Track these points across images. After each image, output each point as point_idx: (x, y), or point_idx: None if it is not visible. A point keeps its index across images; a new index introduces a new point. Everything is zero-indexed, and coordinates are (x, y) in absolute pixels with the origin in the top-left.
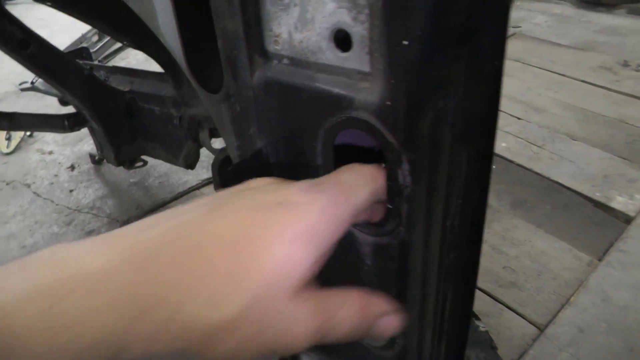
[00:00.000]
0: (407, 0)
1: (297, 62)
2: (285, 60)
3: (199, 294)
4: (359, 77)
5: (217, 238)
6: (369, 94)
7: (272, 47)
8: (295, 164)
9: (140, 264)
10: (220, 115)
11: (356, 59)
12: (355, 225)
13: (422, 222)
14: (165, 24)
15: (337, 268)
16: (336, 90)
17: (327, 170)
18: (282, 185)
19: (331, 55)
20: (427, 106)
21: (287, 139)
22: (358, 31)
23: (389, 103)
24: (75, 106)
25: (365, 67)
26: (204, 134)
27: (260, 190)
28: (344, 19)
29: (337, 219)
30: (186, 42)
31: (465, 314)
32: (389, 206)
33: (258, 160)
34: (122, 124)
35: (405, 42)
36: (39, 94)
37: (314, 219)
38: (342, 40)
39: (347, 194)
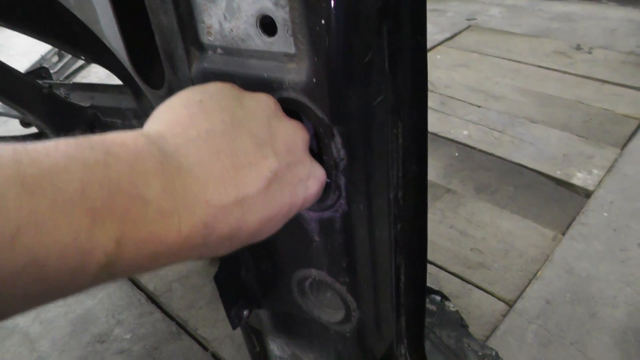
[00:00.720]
0: None
1: (229, 51)
2: (219, 50)
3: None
4: (286, 60)
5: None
6: (296, 74)
7: (205, 39)
8: None
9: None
10: None
11: (282, 43)
12: None
13: (362, 194)
14: (107, 26)
15: (289, 247)
16: (267, 73)
17: None
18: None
19: (259, 41)
20: (352, 81)
21: None
22: (280, 15)
23: (315, 81)
24: (37, 126)
25: (291, 49)
26: None
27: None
28: (267, 5)
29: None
30: (128, 41)
31: (419, 285)
32: (328, 180)
33: None
34: None
35: (323, 22)
36: (0, 120)
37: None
38: (267, 25)
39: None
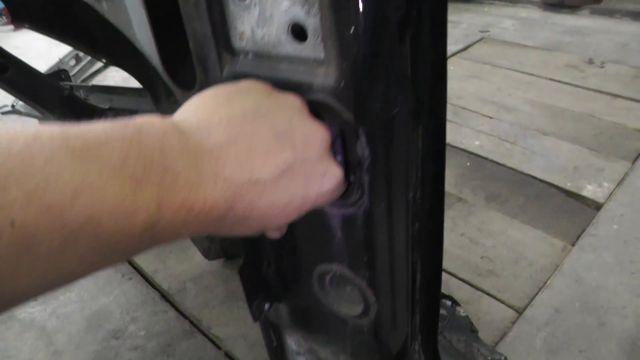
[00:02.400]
0: None
1: (260, 55)
2: (250, 55)
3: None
4: (315, 64)
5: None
6: (324, 78)
7: (237, 44)
8: None
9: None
10: None
11: (312, 48)
12: None
13: (384, 192)
14: (141, 31)
15: (312, 242)
16: (296, 77)
17: None
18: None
19: (290, 47)
20: (377, 85)
21: None
22: (311, 23)
23: (342, 84)
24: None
25: (320, 55)
26: None
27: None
28: (299, 13)
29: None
30: (160, 45)
31: (434, 283)
32: (352, 178)
33: None
34: None
35: (352, 30)
36: (21, 119)
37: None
38: (298, 32)
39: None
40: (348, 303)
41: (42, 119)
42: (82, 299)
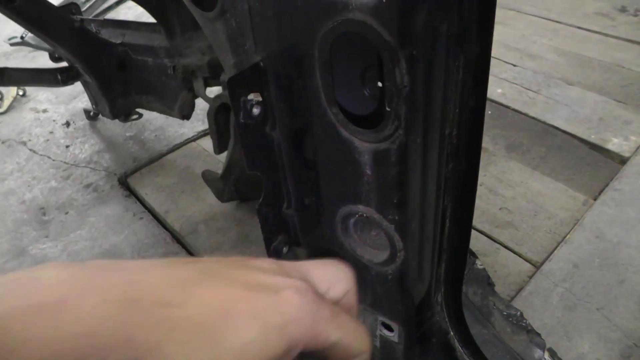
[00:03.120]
0: None
1: None
2: None
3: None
4: None
5: (200, 305)
6: None
7: None
8: (292, 75)
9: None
10: (216, 33)
11: None
12: (355, 133)
13: (420, 125)
14: None
15: (337, 180)
16: None
17: (323, 85)
18: (279, 270)
19: None
20: (421, 3)
21: (284, 50)
22: None
23: (384, 1)
24: (67, 60)
25: None
26: (198, 83)
27: (256, 270)
28: None
29: (313, 326)
30: None
31: (464, 230)
32: (388, 109)
33: (256, 73)
34: (115, 76)
35: None
36: (30, 56)
37: (292, 317)
38: None
39: (332, 313)
40: (373, 249)
41: (52, 51)
42: (92, 237)
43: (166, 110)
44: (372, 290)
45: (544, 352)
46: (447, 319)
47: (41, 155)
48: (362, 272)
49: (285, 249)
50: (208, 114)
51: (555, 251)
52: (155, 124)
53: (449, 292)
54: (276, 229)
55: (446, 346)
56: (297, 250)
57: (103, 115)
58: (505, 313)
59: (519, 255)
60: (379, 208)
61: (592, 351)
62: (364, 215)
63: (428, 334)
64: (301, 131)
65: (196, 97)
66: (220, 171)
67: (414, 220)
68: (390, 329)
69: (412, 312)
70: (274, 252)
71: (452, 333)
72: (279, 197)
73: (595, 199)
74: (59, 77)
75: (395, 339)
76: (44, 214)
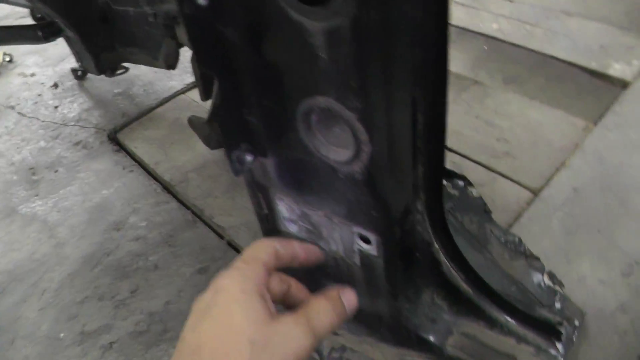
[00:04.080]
0: None
1: None
2: None
3: None
4: None
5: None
6: None
7: None
8: None
9: None
10: None
11: None
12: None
13: None
14: None
15: (291, 72)
16: None
17: None
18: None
19: None
20: None
21: None
22: None
23: None
24: (47, 15)
25: None
26: (180, 29)
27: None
28: None
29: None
30: None
31: (438, 128)
32: None
33: None
34: (98, 30)
35: None
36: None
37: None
38: None
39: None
40: (337, 147)
41: (31, 7)
42: (83, 191)
43: (151, 61)
44: (344, 197)
45: (543, 275)
46: (430, 230)
47: (30, 117)
48: (332, 181)
49: (249, 158)
50: (192, 59)
51: (555, 177)
52: (144, 79)
53: (429, 200)
54: (238, 136)
55: (431, 260)
56: (266, 162)
57: (89, 71)
58: (502, 240)
59: (517, 183)
60: (338, 96)
61: (592, 272)
62: (325, 107)
63: (410, 247)
64: (254, 25)
65: (180, 45)
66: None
67: (378, 110)
68: (367, 241)
69: (389, 220)
70: (236, 161)
71: (436, 245)
72: (238, 101)
73: (595, 124)
74: (40, 33)
75: (374, 252)
76: (34, 174)
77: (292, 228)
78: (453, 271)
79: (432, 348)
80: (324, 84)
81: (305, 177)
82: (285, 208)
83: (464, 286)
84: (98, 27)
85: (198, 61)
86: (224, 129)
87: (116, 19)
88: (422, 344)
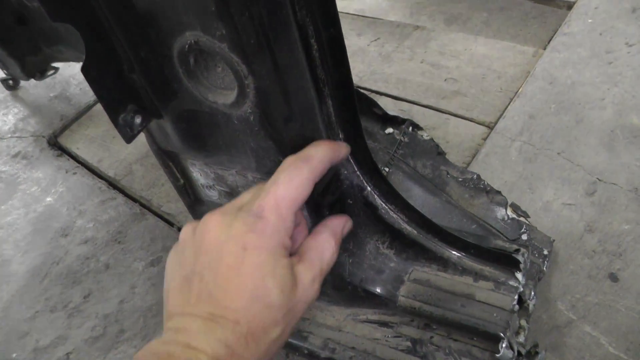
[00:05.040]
0: None
1: None
2: None
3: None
4: None
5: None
6: None
7: None
8: None
9: None
10: None
11: None
12: None
13: None
14: None
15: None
16: None
17: None
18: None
19: None
20: None
21: None
22: None
23: None
24: None
25: None
26: None
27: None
28: None
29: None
30: None
31: (337, 50)
32: None
33: None
34: (17, 33)
35: None
36: None
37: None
38: None
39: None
40: (223, 88)
41: None
42: (25, 203)
43: (80, 56)
44: (248, 148)
45: (506, 209)
46: (357, 172)
47: None
48: (229, 128)
49: (138, 120)
50: None
51: (509, 107)
52: (79, 78)
53: (349, 138)
54: (122, 98)
55: (366, 206)
56: (163, 125)
57: (17, 77)
58: (460, 179)
59: (471, 120)
60: (203, 26)
61: (556, 197)
62: (195, 44)
63: (338, 196)
64: None
65: None
66: None
67: (247, 31)
68: None
69: None
70: (125, 125)
71: (369, 188)
72: (111, 58)
73: (544, 48)
74: None
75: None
76: None
77: (213, 195)
78: (393, 214)
79: (384, 301)
80: (188, 15)
81: (206, 132)
82: (199, 173)
83: (408, 228)
84: (17, 29)
85: (48, 13)
86: (104, 92)
87: (35, 18)
88: (372, 299)
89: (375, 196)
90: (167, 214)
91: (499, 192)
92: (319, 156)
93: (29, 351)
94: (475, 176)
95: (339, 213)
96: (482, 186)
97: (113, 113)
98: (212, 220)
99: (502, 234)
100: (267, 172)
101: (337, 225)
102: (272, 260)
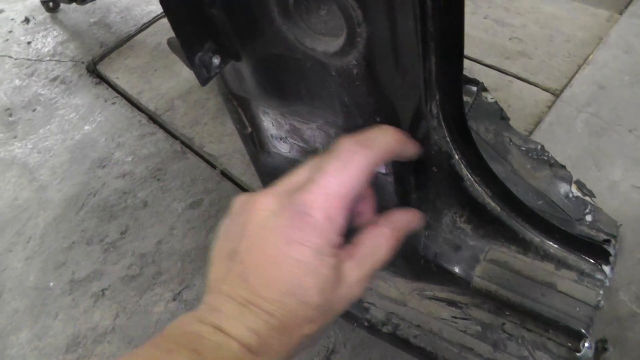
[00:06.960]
0: None
1: None
2: None
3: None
4: None
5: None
6: None
7: None
8: None
9: None
10: None
11: None
12: None
13: None
14: None
15: None
16: None
17: None
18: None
19: None
20: None
21: None
22: None
23: None
24: None
25: None
26: None
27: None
28: None
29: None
30: None
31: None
32: None
33: None
34: None
35: None
36: None
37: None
38: None
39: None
40: (326, 35)
41: None
42: (63, 129)
43: None
44: (340, 102)
45: (570, 185)
46: (447, 138)
47: (1, 56)
48: (323, 81)
49: (216, 61)
50: None
51: (577, 75)
52: (120, 5)
53: (446, 100)
54: (200, 35)
55: (451, 175)
56: (241, 67)
57: (60, 1)
58: (523, 148)
59: (535, 85)
60: None
61: (625, 177)
62: None
63: (425, 161)
64: None
65: None
66: None
67: None
68: None
69: (397, 127)
70: (201, 65)
71: (457, 157)
72: None
73: (621, 13)
74: None
75: (382, 170)
76: (10, 115)
77: (283, 148)
78: (478, 186)
79: (456, 280)
80: None
81: (290, 80)
82: (271, 123)
83: (492, 204)
84: None
85: None
86: (181, 27)
87: None
88: (443, 276)
89: (462, 166)
90: (209, 155)
91: (563, 167)
92: (380, 143)
93: (65, 282)
94: (539, 147)
95: (422, 180)
96: (545, 158)
97: (190, 51)
98: (262, 202)
99: (565, 212)
100: (354, 130)
101: (401, 221)
102: (316, 259)
